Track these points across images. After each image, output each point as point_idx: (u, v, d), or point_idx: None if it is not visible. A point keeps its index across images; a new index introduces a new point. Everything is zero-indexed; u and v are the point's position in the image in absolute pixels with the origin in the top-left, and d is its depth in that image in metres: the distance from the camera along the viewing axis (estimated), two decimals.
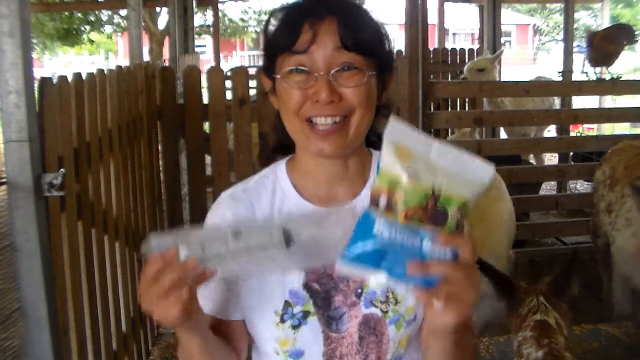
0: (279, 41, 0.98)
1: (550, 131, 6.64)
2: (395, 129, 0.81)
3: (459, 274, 0.78)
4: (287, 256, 0.85)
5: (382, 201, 0.78)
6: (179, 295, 0.82)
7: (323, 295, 1.02)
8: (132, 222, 2.72)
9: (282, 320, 1.01)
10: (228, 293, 1.04)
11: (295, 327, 1.01)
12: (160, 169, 3.56)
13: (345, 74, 0.96)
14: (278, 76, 0.98)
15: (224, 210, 1.05)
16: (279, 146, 1.12)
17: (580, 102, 6.65)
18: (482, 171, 0.81)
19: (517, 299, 1.75)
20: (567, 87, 4.67)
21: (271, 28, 1.02)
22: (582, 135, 6.60)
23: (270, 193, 1.06)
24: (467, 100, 6.24)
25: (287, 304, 1.01)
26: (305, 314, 1.02)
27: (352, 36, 0.95)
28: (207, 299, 1.01)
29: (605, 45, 4.30)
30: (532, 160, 5.67)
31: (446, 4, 7.66)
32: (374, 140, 1.10)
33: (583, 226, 4.01)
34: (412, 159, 0.79)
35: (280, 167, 1.10)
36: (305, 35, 0.95)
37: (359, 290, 1.02)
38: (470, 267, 0.80)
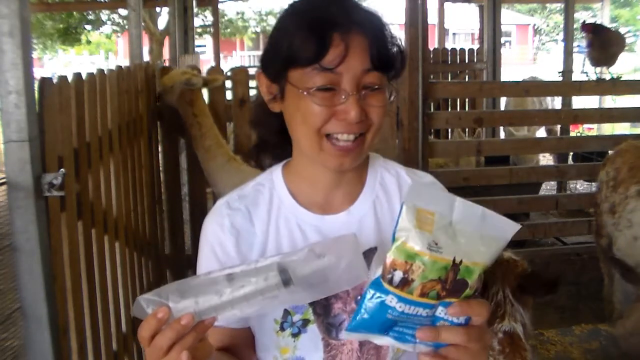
0: (302, 51, 0.91)
1: (552, 131, 6.63)
2: (416, 191, 0.78)
3: (472, 340, 0.76)
4: (287, 294, 0.83)
5: (397, 276, 0.73)
6: (179, 358, 0.79)
7: (323, 303, 1.01)
8: (132, 222, 2.72)
9: (282, 329, 1.01)
10: None
11: (295, 335, 1.01)
12: (160, 169, 3.56)
13: (372, 94, 0.94)
14: (304, 92, 0.92)
15: (221, 219, 1.04)
16: (262, 144, 1.10)
17: (580, 102, 6.64)
18: (507, 228, 0.77)
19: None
20: (567, 87, 4.67)
21: (285, 31, 0.96)
22: (582, 135, 6.60)
23: (268, 201, 1.05)
24: (467, 100, 6.25)
25: (286, 312, 1.00)
26: (305, 322, 1.01)
27: (382, 54, 0.93)
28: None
29: (608, 47, 4.30)
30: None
31: (446, 4, 7.65)
32: None
33: (583, 226, 4.01)
34: (435, 224, 0.74)
35: (276, 174, 1.08)
36: (335, 49, 0.90)
37: (359, 298, 1.01)
38: (483, 330, 0.78)
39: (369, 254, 1.00)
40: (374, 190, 1.06)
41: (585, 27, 4.44)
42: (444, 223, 0.75)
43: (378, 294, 0.74)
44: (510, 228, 0.77)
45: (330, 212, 1.04)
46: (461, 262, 0.73)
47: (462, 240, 0.74)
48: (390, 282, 0.73)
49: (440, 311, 0.74)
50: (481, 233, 0.75)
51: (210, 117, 3.26)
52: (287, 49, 0.94)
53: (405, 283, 0.73)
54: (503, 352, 1.52)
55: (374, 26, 0.95)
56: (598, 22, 5.87)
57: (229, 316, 0.83)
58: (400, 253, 0.73)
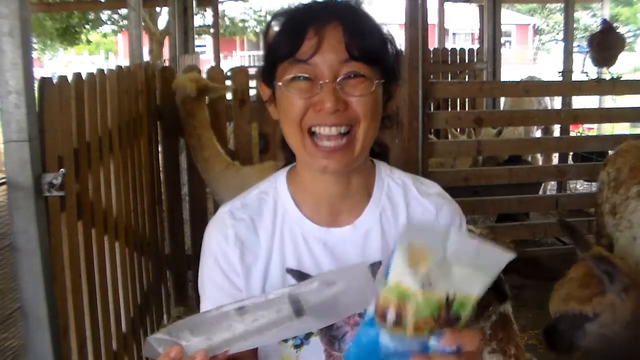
0: (281, 48, 0.93)
1: (549, 130, 6.63)
2: (409, 232, 0.78)
3: None
4: (300, 323, 0.83)
5: (390, 316, 0.73)
6: None
7: None
8: (132, 222, 2.72)
9: (285, 340, 1.00)
10: None
11: (297, 346, 1.01)
12: (160, 169, 3.56)
13: (352, 82, 0.92)
14: (280, 83, 0.94)
15: (225, 230, 1.02)
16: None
17: (580, 102, 6.64)
18: (501, 258, 0.77)
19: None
20: (567, 87, 4.66)
21: (272, 34, 0.97)
22: (582, 135, 6.60)
23: (272, 211, 1.03)
24: (467, 100, 6.25)
25: None
26: (308, 335, 1.00)
27: (359, 44, 0.91)
28: None
29: (605, 48, 4.29)
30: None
31: (446, 4, 7.65)
32: (376, 151, 1.07)
33: (583, 226, 4.00)
34: (428, 261, 0.74)
35: (280, 181, 1.06)
36: (309, 41, 0.91)
37: (362, 310, 1.01)
38: (474, 357, 0.78)
39: (374, 268, 1.00)
40: (380, 202, 1.05)
41: (604, 23, 4.45)
42: (438, 259, 0.75)
43: (371, 332, 0.75)
44: (503, 258, 0.77)
45: (335, 225, 1.03)
46: (455, 296, 0.73)
47: (456, 274, 0.74)
48: (384, 320, 0.74)
49: (432, 343, 0.75)
50: (475, 266, 0.75)
51: (210, 129, 3.25)
52: (270, 49, 0.97)
53: (398, 322, 0.73)
54: (495, 338, 1.46)
55: (350, 16, 0.94)
56: (598, 20, 5.85)
57: (241, 347, 0.82)
58: (393, 293, 0.74)
